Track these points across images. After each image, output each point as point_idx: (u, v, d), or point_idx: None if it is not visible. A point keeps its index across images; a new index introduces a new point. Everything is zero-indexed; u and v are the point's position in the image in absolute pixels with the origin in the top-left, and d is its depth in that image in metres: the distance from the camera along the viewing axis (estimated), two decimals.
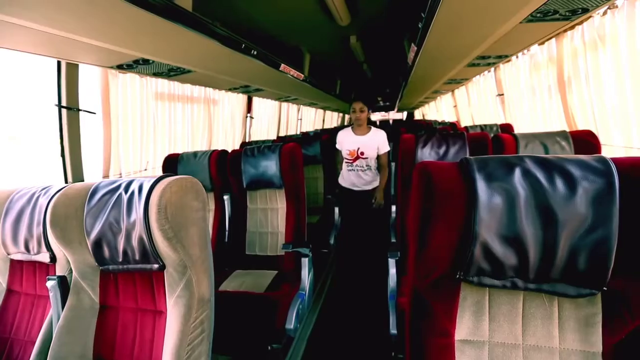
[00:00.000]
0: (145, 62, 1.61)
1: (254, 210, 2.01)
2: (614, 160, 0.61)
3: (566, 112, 2.25)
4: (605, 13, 1.72)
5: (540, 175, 0.61)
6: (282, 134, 5.33)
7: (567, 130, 1.73)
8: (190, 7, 1.26)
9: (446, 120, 5.68)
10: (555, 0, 1.36)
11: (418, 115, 11.28)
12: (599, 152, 1.62)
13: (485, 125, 3.22)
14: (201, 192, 0.91)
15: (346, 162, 2.46)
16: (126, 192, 0.90)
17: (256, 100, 3.99)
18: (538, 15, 1.51)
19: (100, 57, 1.47)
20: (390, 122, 10.49)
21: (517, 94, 3.15)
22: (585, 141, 1.62)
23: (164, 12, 1.14)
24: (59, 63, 1.53)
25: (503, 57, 2.63)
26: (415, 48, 2.12)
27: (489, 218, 0.62)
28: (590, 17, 1.79)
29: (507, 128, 3.12)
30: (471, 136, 1.78)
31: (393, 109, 12.67)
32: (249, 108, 3.77)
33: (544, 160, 0.64)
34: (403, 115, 13.02)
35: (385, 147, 2.34)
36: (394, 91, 7.78)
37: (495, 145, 1.76)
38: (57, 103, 1.54)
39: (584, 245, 0.59)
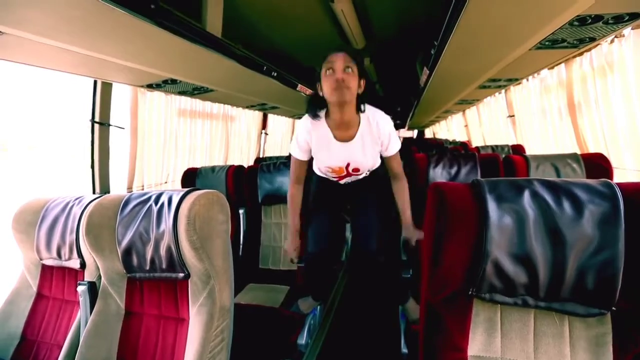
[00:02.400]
0: (173, 81, 1.72)
1: (268, 224, 2.06)
2: (619, 185, 0.64)
3: (577, 134, 2.26)
4: (612, 41, 1.78)
5: (548, 198, 0.65)
6: None
7: (579, 152, 1.75)
8: (220, 33, 1.37)
9: (457, 140, 5.70)
10: (563, 30, 1.41)
11: (428, 133, 11.33)
12: (611, 176, 1.63)
13: (496, 146, 3.24)
14: (225, 205, 0.97)
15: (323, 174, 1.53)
16: (156, 203, 0.96)
17: (270, 117, 4.12)
18: (547, 43, 1.57)
19: (134, 77, 1.59)
20: (401, 139, 10.65)
21: (528, 115, 3.18)
22: (597, 164, 1.64)
23: (195, 37, 1.24)
24: (95, 82, 1.65)
25: (513, 80, 2.69)
26: (427, 71, 2.19)
27: (499, 237, 0.66)
28: (598, 44, 1.84)
29: (518, 149, 3.13)
30: (482, 157, 1.81)
31: (404, 127, 12.76)
32: (264, 125, 3.89)
33: (552, 183, 0.68)
34: (413, 134, 13.12)
35: (394, 145, 1.40)
36: (405, 110, 7.88)
37: (506, 166, 1.78)
38: (90, 118, 1.65)
39: (592, 265, 0.61)
